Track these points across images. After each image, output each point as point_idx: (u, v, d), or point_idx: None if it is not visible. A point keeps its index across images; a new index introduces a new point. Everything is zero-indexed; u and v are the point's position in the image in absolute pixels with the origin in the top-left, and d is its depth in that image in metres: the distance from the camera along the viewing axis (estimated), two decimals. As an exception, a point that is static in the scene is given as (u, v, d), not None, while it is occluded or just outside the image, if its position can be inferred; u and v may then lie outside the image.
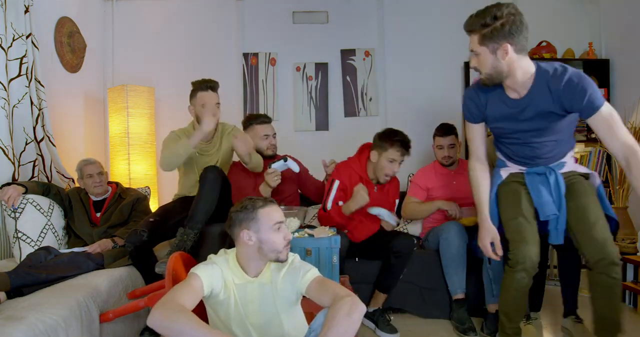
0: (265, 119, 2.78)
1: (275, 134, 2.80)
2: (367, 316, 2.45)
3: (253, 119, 2.78)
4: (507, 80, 1.80)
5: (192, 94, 2.61)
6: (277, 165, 2.39)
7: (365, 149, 2.55)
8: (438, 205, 2.68)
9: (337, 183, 2.45)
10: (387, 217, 2.39)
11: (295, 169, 2.43)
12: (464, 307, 2.40)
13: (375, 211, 2.38)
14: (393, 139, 2.38)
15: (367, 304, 2.46)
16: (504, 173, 2.03)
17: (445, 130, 2.78)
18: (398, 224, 2.37)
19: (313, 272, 1.49)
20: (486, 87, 1.87)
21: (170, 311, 1.26)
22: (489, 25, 1.67)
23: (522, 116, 1.84)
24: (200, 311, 1.52)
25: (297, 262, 1.55)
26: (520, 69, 1.75)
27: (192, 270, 1.47)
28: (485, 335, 2.30)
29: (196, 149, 2.54)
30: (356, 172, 2.47)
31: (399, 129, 2.45)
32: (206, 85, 2.58)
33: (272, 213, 1.50)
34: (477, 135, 2.02)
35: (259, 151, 2.68)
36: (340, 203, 2.44)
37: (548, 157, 1.94)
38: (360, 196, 2.30)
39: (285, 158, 2.40)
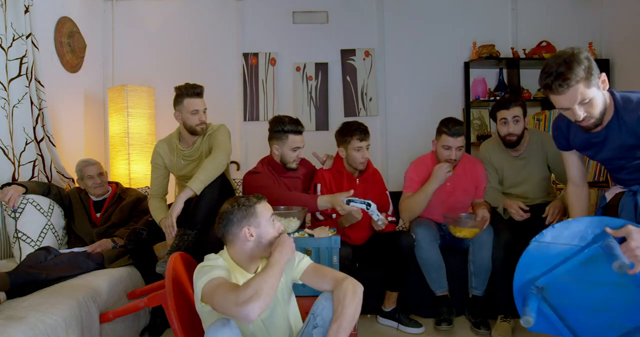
0: (301, 129, 2.48)
1: (304, 145, 2.51)
2: (387, 316, 2.49)
3: (287, 125, 2.44)
4: None
5: (178, 100, 2.42)
6: (356, 205, 2.17)
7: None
8: (431, 187, 2.46)
9: (319, 187, 2.51)
10: (373, 212, 2.21)
11: (370, 211, 2.20)
12: (444, 304, 2.43)
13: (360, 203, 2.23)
14: (351, 129, 2.45)
15: (382, 305, 2.51)
16: (609, 195, 1.94)
17: (456, 129, 2.47)
18: (384, 224, 2.32)
19: (306, 260, 1.62)
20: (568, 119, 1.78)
21: (246, 292, 1.30)
22: (586, 66, 1.59)
23: (605, 147, 1.78)
24: (193, 315, 1.53)
25: None
26: (608, 98, 1.71)
27: (204, 280, 1.41)
28: (470, 317, 2.45)
29: (180, 156, 2.49)
30: (337, 170, 2.54)
31: (351, 120, 2.53)
32: (193, 91, 2.40)
33: (267, 207, 1.59)
34: (569, 161, 1.98)
35: (283, 163, 2.49)
36: (334, 215, 2.48)
37: None
38: (352, 216, 2.30)
39: (369, 203, 2.16)
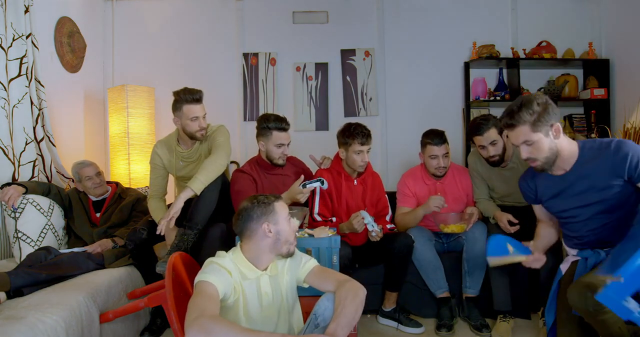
0: (286, 126, 2.48)
1: (290, 142, 2.53)
2: (386, 315, 2.50)
3: (272, 122, 2.46)
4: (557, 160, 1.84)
5: (177, 106, 2.37)
6: (312, 185, 2.31)
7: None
8: (421, 213, 2.52)
9: (318, 188, 2.47)
10: (369, 222, 2.30)
11: (325, 187, 2.37)
12: (445, 307, 2.43)
13: (363, 213, 2.33)
14: (353, 133, 2.43)
15: (382, 305, 2.51)
16: (564, 267, 1.95)
17: (438, 138, 2.54)
18: (378, 237, 2.34)
19: (312, 262, 1.66)
20: (533, 172, 1.93)
21: (207, 323, 1.26)
22: (536, 112, 1.74)
23: (572, 191, 1.84)
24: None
25: (296, 252, 1.68)
26: (566, 146, 1.81)
27: (202, 278, 1.45)
28: (463, 317, 2.50)
29: (178, 158, 2.49)
30: (336, 170, 2.54)
31: (354, 122, 2.52)
32: (192, 97, 2.35)
33: (284, 206, 1.64)
34: (539, 211, 2.06)
35: (269, 159, 2.51)
36: (334, 219, 2.49)
37: (608, 241, 1.82)
38: (357, 222, 2.30)
39: (321, 180, 2.32)
